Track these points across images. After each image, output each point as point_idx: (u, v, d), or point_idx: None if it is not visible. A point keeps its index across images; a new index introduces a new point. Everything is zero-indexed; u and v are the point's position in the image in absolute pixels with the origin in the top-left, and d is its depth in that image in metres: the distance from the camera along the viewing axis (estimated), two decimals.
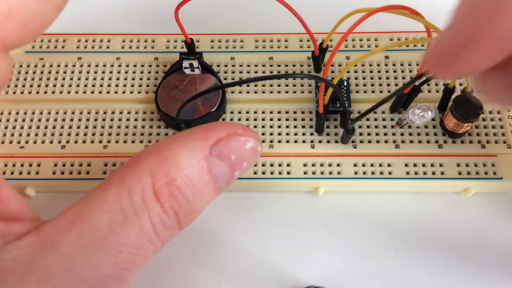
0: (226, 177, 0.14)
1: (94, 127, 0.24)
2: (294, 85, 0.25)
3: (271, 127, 0.24)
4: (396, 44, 0.19)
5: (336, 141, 0.23)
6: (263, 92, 0.25)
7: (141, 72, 0.25)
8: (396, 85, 0.25)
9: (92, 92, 0.25)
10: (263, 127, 0.24)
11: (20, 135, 0.24)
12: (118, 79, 0.25)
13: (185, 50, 0.25)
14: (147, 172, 0.13)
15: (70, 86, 0.25)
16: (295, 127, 0.24)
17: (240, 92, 0.25)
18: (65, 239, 0.12)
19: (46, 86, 0.25)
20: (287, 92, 0.25)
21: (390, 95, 0.18)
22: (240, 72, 0.25)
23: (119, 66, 0.26)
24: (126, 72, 0.25)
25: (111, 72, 0.25)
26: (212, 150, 0.14)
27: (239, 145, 0.14)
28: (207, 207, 0.23)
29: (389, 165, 0.23)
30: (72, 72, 0.26)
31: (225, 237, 0.23)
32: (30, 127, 0.24)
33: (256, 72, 0.25)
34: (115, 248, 0.12)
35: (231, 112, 0.24)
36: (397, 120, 0.23)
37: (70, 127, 0.24)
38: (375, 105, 0.18)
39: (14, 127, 0.24)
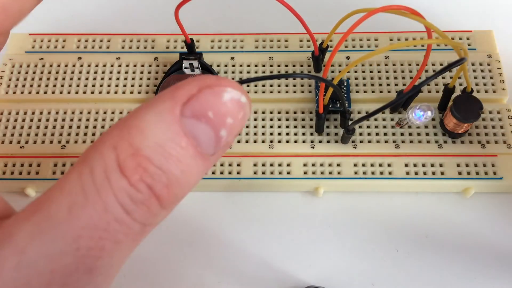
0: (211, 140, 0.12)
1: (94, 127, 0.24)
2: (294, 85, 0.25)
3: (271, 127, 0.24)
4: (402, 44, 0.19)
5: (336, 141, 0.23)
6: (263, 92, 0.25)
7: (141, 72, 0.25)
8: (396, 85, 0.25)
9: (92, 92, 0.25)
10: (263, 127, 0.24)
11: (20, 135, 0.24)
12: (118, 79, 0.25)
13: (185, 50, 0.25)
14: (109, 146, 0.11)
15: (70, 86, 0.25)
16: (295, 127, 0.24)
17: None
18: (21, 229, 0.11)
19: (46, 86, 0.25)
20: (287, 92, 0.25)
21: (401, 97, 0.18)
22: (240, 72, 0.25)
23: (119, 66, 0.26)
24: (126, 72, 0.25)
25: (111, 72, 0.25)
26: (184, 110, 0.12)
27: (214, 98, 0.12)
28: (210, 205, 0.23)
29: (389, 165, 0.23)
30: (72, 72, 0.26)
31: (225, 237, 0.23)
32: (30, 127, 0.24)
33: (256, 72, 0.25)
34: (74, 233, 0.11)
35: None
36: (397, 120, 0.23)
37: (70, 127, 0.24)
38: (382, 107, 0.18)
39: (14, 127, 0.24)
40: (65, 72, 0.26)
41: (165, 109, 0.12)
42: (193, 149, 0.12)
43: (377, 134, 0.23)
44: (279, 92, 0.25)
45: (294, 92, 0.25)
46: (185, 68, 0.24)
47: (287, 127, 0.24)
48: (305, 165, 0.23)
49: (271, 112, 0.24)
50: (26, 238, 0.11)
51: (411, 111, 0.21)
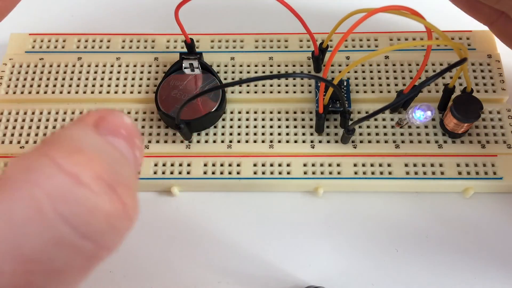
0: (131, 156, 0.11)
1: None
2: (294, 85, 0.25)
3: (271, 127, 0.24)
4: (403, 45, 0.19)
5: (336, 141, 0.23)
6: (263, 92, 0.25)
7: (141, 72, 0.25)
8: (396, 85, 0.25)
9: (92, 92, 0.25)
10: (263, 127, 0.24)
11: (20, 135, 0.24)
12: (118, 79, 0.25)
13: (185, 50, 0.25)
14: (47, 158, 0.10)
15: (70, 86, 0.25)
16: (295, 127, 0.24)
17: (240, 92, 0.25)
18: None
19: (46, 86, 0.25)
20: (287, 92, 0.25)
21: (402, 98, 0.18)
22: (240, 72, 0.25)
23: (119, 66, 0.26)
24: (126, 72, 0.25)
25: (111, 72, 0.25)
26: (98, 128, 0.11)
27: (119, 119, 0.12)
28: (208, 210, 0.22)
29: (389, 165, 0.23)
30: (72, 72, 0.26)
31: (225, 237, 0.23)
32: (30, 127, 0.24)
33: (256, 72, 0.25)
34: None
35: (231, 112, 0.24)
36: (397, 120, 0.23)
37: None
38: (382, 107, 0.18)
39: (14, 127, 0.24)
40: (65, 72, 0.26)
41: (84, 126, 0.11)
42: (120, 154, 0.11)
43: (377, 134, 0.23)
44: (279, 92, 0.25)
45: (294, 92, 0.25)
46: (185, 68, 0.24)
47: (287, 127, 0.24)
48: (305, 165, 0.23)
49: (271, 112, 0.24)
50: None
51: (411, 111, 0.21)
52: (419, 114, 0.20)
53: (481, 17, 0.24)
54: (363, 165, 0.23)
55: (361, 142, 0.23)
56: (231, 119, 0.24)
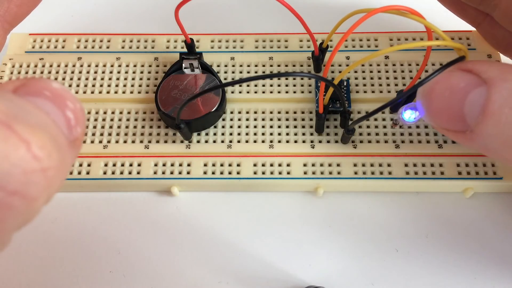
0: (58, 115, 0.11)
1: (94, 127, 0.24)
2: (294, 85, 0.25)
3: (271, 127, 0.24)
4: (404, 46, 0.19)
5: (336, 141, 0.23)
6: (263, 92, 0.25)
7: (141, 72, 0.25)
8: (396, 85, 0.25)
9: (92, 92, 0.25)
10: (263, 127, 0.24)
11: None
12: (118, 79, 0.25)
13: (185, 50, 0.25)
14: None
15: (70, 86, 0.25)
16: (295, 127, 0.24)
17: (240, 92, 0.25)
18: None
19: None
20: (287, 92, 0.25)
21: (400, 96, 0.18)
22: (240, 72, 0.25)
23: (119, 66, 0.26)
24: (126, 72, 0.25)
25: (111, 72, 0.25)
26: (16, 91, 0.11)
27: (41, 83, 0.11)
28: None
29: (389, 165, 0.23)
30: (72, 72, 0.26)
31: (225, 237, 0.23)
32: None
33: (256, 72, 0.25)
34: None
35: (231, 112, 0.24)
36: (393, 120, 0.23)
37: None
38: (382, 106, 0.18)
39: None
40: (65, 72, 0.26)
41: (1, 91, 0.11)
42: (42, 112, 0.11)
43: (377, 134, 0.24)
44: (279, 92, 0.25)
45: (294, 92, 0.25)
46: (185, 68, 0.24)
47: (287, 127, 0.24)
48: (305, 165, 0.23)
49: (271, 112, 0.24)
50: None
51: (399, 111, 0.19)
52: (406, 114, 0.19)
53: (467, 18, 0.24)
54: (363, 165, 0.23)
55: (361, 142, 0.23)
56: (231, 119, 0.24)
